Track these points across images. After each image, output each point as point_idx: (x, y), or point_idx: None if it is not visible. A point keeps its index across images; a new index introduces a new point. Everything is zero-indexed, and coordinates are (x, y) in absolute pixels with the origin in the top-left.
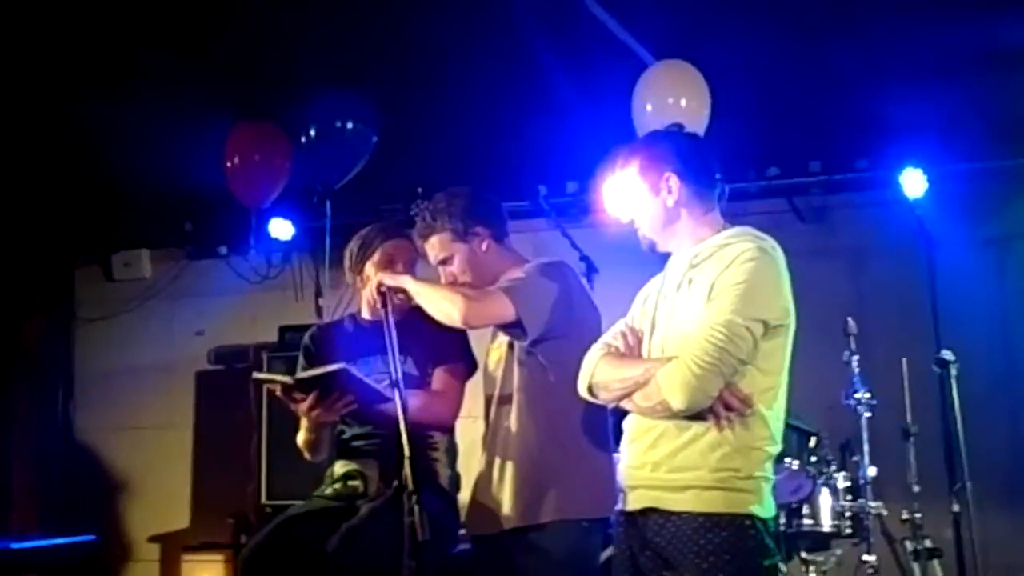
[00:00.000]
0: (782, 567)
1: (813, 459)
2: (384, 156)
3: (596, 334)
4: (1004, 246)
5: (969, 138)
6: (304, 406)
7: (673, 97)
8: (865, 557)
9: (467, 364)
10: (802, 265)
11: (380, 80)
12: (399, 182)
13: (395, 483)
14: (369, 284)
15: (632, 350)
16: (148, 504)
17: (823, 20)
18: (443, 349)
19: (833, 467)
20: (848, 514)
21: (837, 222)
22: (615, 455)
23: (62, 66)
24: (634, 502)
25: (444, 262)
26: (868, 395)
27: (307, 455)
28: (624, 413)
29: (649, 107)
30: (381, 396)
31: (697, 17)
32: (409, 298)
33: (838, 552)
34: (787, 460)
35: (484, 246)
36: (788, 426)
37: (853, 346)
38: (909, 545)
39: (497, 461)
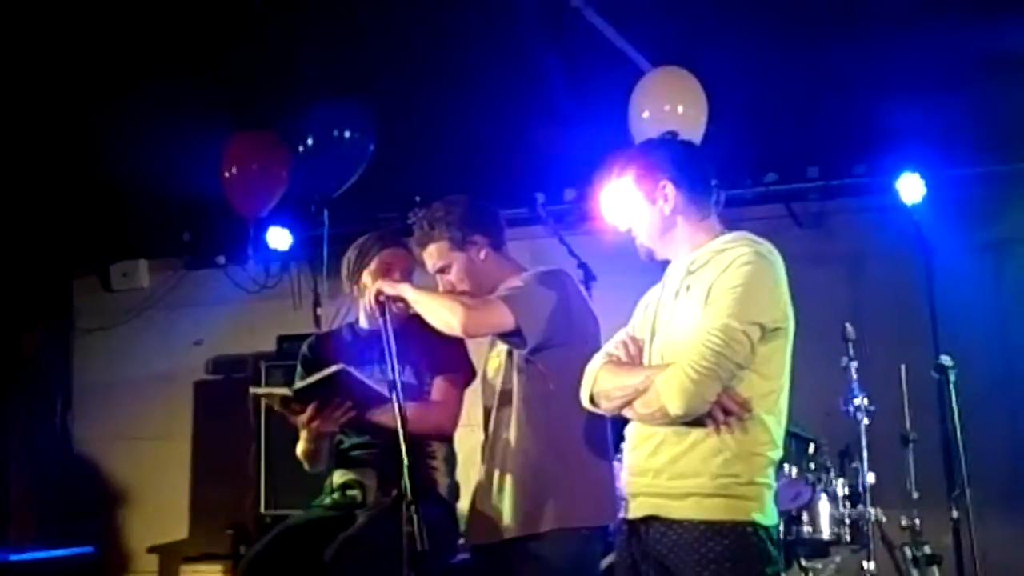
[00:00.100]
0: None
1: (812, 466)
2: (382, 165)
3: (595, 342)
4: (1001, 251)
5: (966, 143)
6: (304, 418)
7: (670, 104)
8: (865, 564)
9: (466, 373)
10: (800, 271)
11: (377, 89)
12: (397, 191)
13: (394, 492)
14: (368, 292)
15: (633, 359)
16: (147, 515)
17: (820, 27)
18: (441, 358)
19: (832, 474)
20: (847, 521)
21: (835, 228)
22: (615, 463)
23: (61, 76)
24: (636, 510)
25: (442, 271)
26: (867, 401)
27: (306, 465)
28: (626, 421)
29: (646, 114)
30: (381, 397)
31: (694, 24)
32: (407, 307)
33: (838, 559)
34: (786, 467)
35: (482, 254)
36: (787, 433)
37: (851, 352)
38: (908, 552)
39: (496, 470)
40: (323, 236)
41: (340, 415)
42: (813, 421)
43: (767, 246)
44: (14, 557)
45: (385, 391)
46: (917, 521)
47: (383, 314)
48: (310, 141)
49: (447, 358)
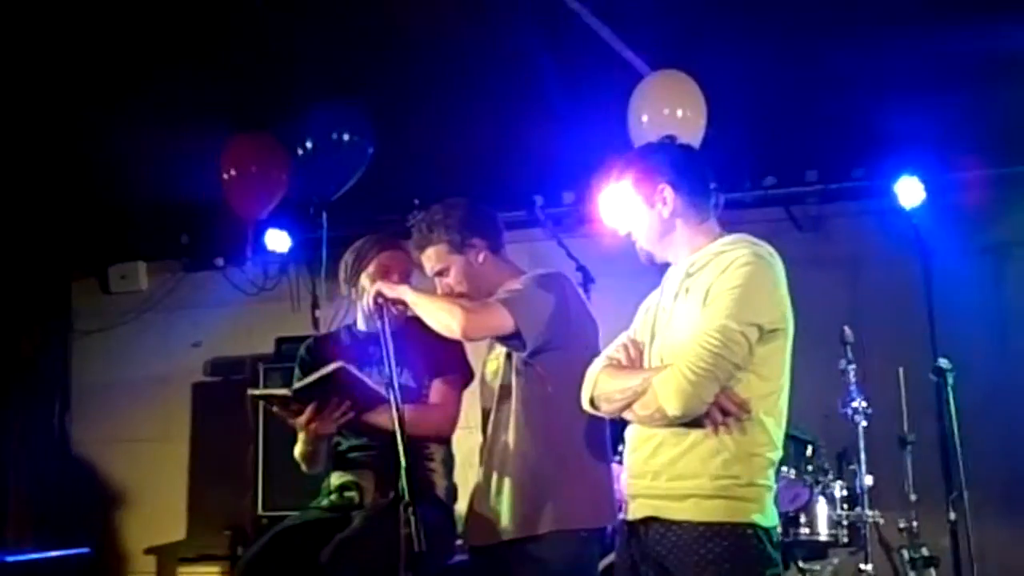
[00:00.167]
0: None
1: (810, 468)
2: (381, 168)
3: (593, 345)
4: (1000, 254)
5: (965, 147)
6: (302, 419)
7: (669, 107)
8: (862, 566)
9: (464, 374)
10: (799, 274)
11: (376, 92)
12: (396, 194)
13: (391, 494)
14: (367, 294)
15: (634, 362)
16: (144, 516)
17: (819, 30)
18: (440, 360)
19: (830, 476)
20: (845, 523)
21: (834, 231)
22: (614, 464)
23: (60, 78)
24: (635, 511)
25: (440, 273)
26: (865, 404)
27: (304, 467)
28: (625, 423)
29: (645, 118)
30: (379, 396)
31: (693, 27)
32: (406, 309)
33: (835, 561)
34: (784, 469)
35: (480, 258)
36: (785, 435)
37: (850, 355)
38: (906, 554)
39: (495, 472)
40: (322, 239)
41: (339, 416)
42: (811, 423)
43: (767, 248)
44: (11, 558)
45: (383, 392)
46: (915, 523)
47: (381, 316)
48: (309, 144)
49: (445, 360)
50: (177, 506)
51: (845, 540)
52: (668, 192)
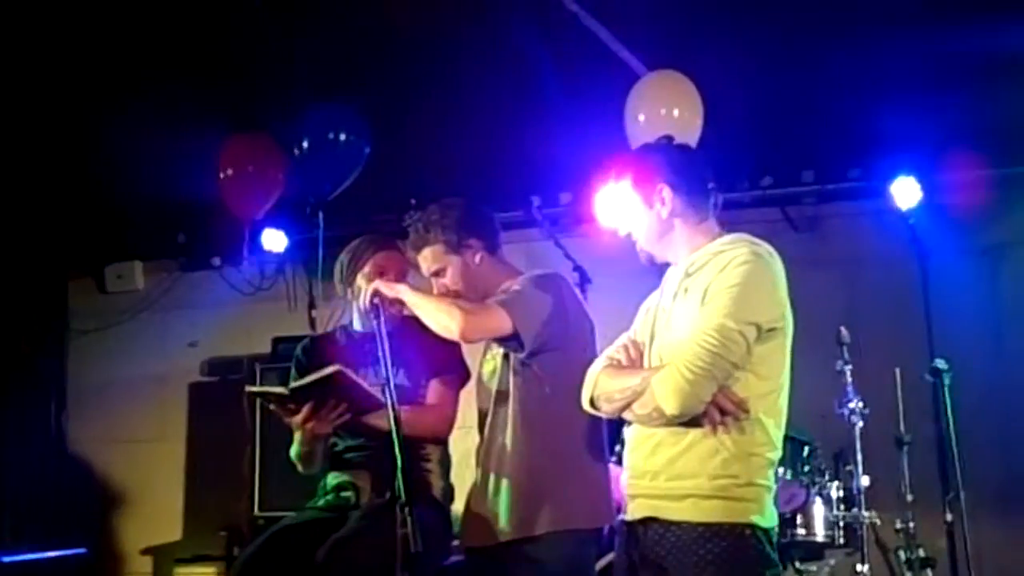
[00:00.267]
0: None
1: (806, 469)
2: (377, 168)
3: (591, 345)
4: (997, 255)
5: (961, 147)
6: (299, 418)
7: (666, 108)
8: (859, 567)
9: (461, 375)
10: (796, 274)
11: (373, 92)
12: (392, 194)
13: (387, 494)
14: (364, 293)
15: (634, 362)
16: (141, 516)
17: (815, 30)
18: (436, 360)
19: (826, 477)
20: (842, 524)
21: (830, 231)
22: (611, 465)
23: (57, 79)
24: (634, 511)
25: (437, 274)
26: (861, 404)
27: (301, 468)
28: (623, 423)
29: (642, 118)
30: (376, 400)
31: (689, 28)
32: (403, 308)
33: (832, 562)
34: (781, 470)
35: (477, 258)
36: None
37: (846, 355)
38: (903, 554)
39: (492, 472)
40: (318, 238)
41: (335, 416)
42: (808, 424)
43: (766, 247)
44: (7, 558)
45: (380, 394)
46: (911, 524)
47: (377, 316)
48: (305, 144)
49: (442, 360)
50: (173, 506)
51: (841, 541)
52: (667, 192)
